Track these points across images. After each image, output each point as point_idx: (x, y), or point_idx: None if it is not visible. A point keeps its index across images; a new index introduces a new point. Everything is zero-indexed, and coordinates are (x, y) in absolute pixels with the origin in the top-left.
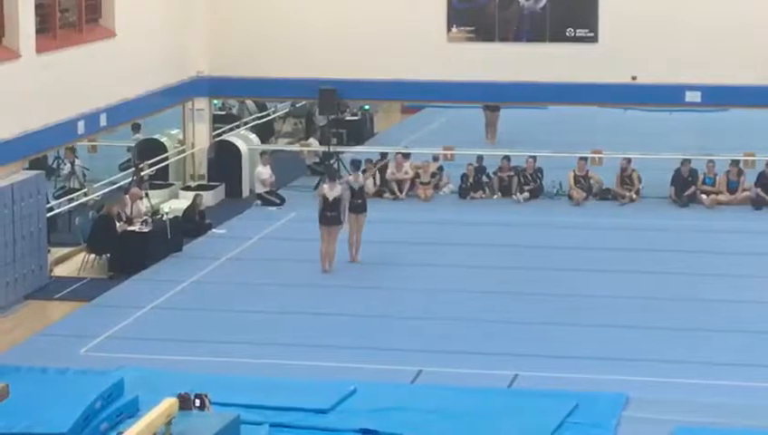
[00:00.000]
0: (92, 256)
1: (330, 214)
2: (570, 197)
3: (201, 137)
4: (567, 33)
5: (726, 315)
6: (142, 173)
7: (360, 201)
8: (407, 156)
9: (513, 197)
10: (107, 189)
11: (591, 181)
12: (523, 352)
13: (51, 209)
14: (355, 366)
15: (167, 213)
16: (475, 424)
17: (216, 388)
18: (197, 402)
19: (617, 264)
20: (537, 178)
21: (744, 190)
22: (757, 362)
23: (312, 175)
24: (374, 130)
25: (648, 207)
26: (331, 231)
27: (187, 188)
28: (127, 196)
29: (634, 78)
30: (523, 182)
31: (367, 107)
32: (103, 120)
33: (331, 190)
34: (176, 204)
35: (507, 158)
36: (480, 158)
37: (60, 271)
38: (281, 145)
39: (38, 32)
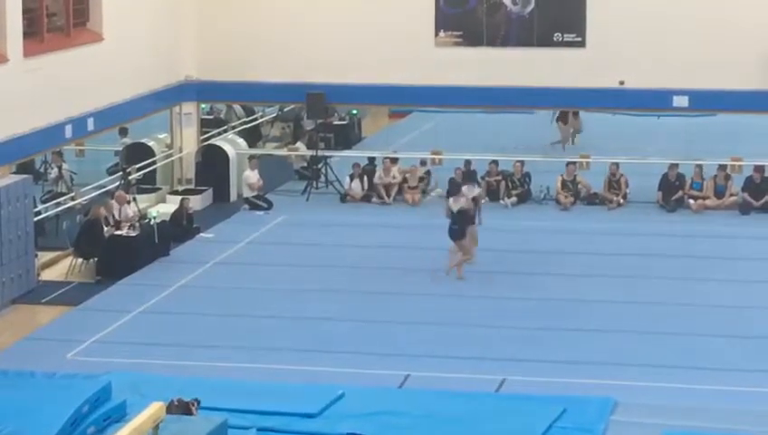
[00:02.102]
0: (80, 260)
1: (453, 226)
2: (557, 201)
3: (189, 141)
4: (554, 38)
5: (714, 320)
6: (130, 177)
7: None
8: (394, 160)
9: (501, 201)
10: (94, 194)
11: (579, 186)
12: (510, 357)
13: (38, 213)
14: (343, 371)
15: (154, 217)
16: (462, 429)
17: (203, 392)
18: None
19: (604, 268)
20: (525, 183)
21: (732, 195)
22: (745, 367)
23: (299, 179)
24: (362, 134)
25: (635, 212)
26: (458, 244)
27: (175, 193)
28: (113, 200)
29: (622, 83)
30: (511, 187)
31: (355, 111)
32: (91, 125)
33: (455, 203)
34: (163, 208)
35: (495, 162)
36: (468, 162)
37: (47, 275)
38: (268, 149)
39: (26, 35)
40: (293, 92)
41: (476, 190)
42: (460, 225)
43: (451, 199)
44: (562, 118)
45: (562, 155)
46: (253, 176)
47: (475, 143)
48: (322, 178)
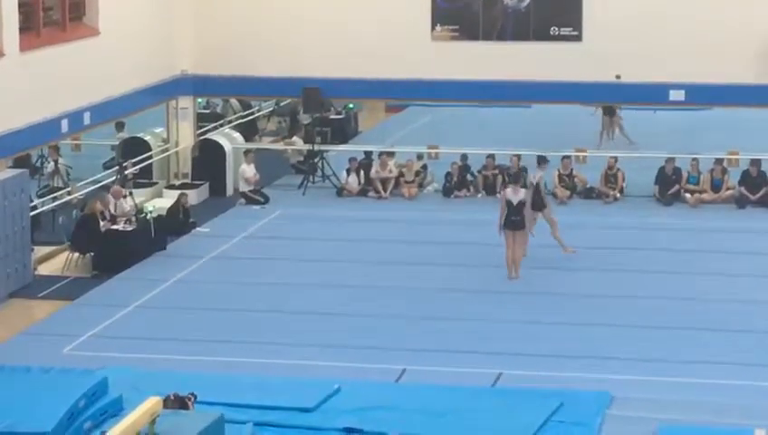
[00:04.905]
0: (76, 254)
1: (515, 218)
2: (554, 195)
3: (185, 135)
4: (551, 32)
5: (710, 314)
6: (126, 172)
7: (537, 198)
8: (391, 154)
9: (498, 195)
10: (91, 188)
11: (576, 180)
12: (507, 351)
13: (34, 208)
14: (339, 365)
15: (151, 212)
16: (459, 423)
17: (199, 387)
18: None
19: (600, 262)
20: (522, 177)
21: (728, 189)
22: (741, 361)
23: (296, 174)
24: (358, 128)
25: (632, 206)
26: (517, 235)
27: (171, 187)
28: (109, 194)
29: (618, 77)
30: (508, 181)
31: (351, 105)
32: (87, 119)
33: (515, 194)
34: (160, 202)
35: (492, 156)
36: (464, 156)
37: (43, 270)
38: (265, 144)
39: (22, 30)
40: (290, 87)
41: (539, 175)
42: (522, 216)
43: (509, 190)
44: (606, 110)
45: (557, 149)
46: (249, 170)
47: (472, 137)
48: (319, 173)
